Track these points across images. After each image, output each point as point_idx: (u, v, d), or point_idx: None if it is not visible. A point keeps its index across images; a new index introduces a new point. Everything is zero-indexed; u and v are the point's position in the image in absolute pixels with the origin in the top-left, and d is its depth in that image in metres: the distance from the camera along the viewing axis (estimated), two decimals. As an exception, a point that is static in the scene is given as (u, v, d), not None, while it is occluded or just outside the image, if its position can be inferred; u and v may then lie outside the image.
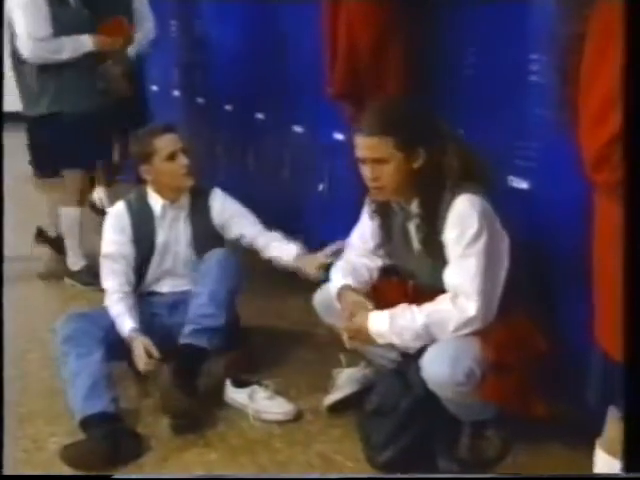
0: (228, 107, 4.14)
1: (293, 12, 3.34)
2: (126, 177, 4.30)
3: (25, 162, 4.38)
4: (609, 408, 1.59)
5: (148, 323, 2.67)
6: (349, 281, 2.29)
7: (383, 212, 2.30)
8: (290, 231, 2.91)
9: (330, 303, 2.33)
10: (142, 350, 2.52)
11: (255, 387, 2.59)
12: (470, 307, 2.03)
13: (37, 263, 3.97)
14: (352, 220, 2.48)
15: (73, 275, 3.85)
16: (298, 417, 2.55)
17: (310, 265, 2.64)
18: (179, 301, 2.80)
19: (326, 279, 2.44)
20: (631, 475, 1.44)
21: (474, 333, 2.04)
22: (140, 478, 2.31)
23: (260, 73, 3.75)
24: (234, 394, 2.62)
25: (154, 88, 4.86)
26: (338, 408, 2.55)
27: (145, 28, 3.96)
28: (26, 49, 3.50)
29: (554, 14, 2.00)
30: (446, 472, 2.18)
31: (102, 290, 2.75)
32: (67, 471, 2.26)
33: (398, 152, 2.08)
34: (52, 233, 4.00)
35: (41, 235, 4.03)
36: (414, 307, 2.09)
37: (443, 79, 2.55)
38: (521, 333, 2.09)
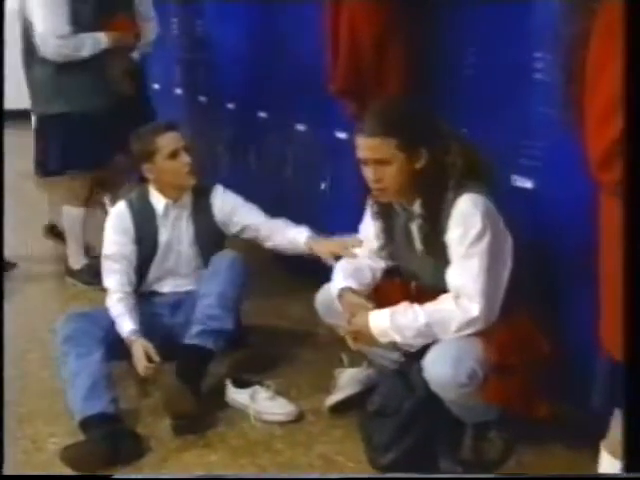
0: (230, 105, 4.14)
1: (295, 10, 3.33)
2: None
3: (25, 160, 4.37)
4: (614, 410, 1.58)
5: (149, 323, 2.66)
6: (350, 283, 2.27)
7: (385, 213, 2.28)
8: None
9: (331, 304, 2.32)
10: (142, 353, 2.51)
11: (256, 387, 2.58)
12: (473, 307, 2.01)
13: (37, 263, 3.97)
14: (355, 219, 2.47)
15: (74, 274, 3.84)
16: (299, 418, 2.53)
17: (323, 248, 2.59)
18: (181, 301, 2.80)
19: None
20: (631, 475, 1.43)
21: (476, 334, 2.03)
22: (140, 479, 2.30)
23: (262, 71, 3.74)
24: (235, 394, 2.60)
25: (156, 86, 4.85)
26: (340, 409, 2.53)
27: (148, 27, 3.94)
28: (48, 47, 3.46)
29: (558, 10, 1.98)
30: (449, 474, 2.17)
31: (103, 289, 2.74)
32: (67, 471, 2.25)
33: (400, 153, 2.07)
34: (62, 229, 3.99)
35: (52, 231, 4.02)
36: (416, 306, 2.08)
37: (446, 78, 2.55)
38: (524, 334, 2.07)
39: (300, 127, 3.52)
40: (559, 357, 2.07)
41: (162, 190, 2.78)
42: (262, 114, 3.83)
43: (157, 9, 4.01)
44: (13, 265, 3.88)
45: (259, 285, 3.24)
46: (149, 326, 2.63)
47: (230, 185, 2.95)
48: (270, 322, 3.28)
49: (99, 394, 2.37)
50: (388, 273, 2.39)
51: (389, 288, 2.35)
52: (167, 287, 2.85)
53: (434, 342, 2.06)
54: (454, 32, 2.50)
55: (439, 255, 2.11)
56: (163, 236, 2.79)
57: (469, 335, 2.03)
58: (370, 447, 2.26)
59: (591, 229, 1.59)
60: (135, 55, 3.76)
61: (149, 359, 2.51)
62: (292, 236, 2.74)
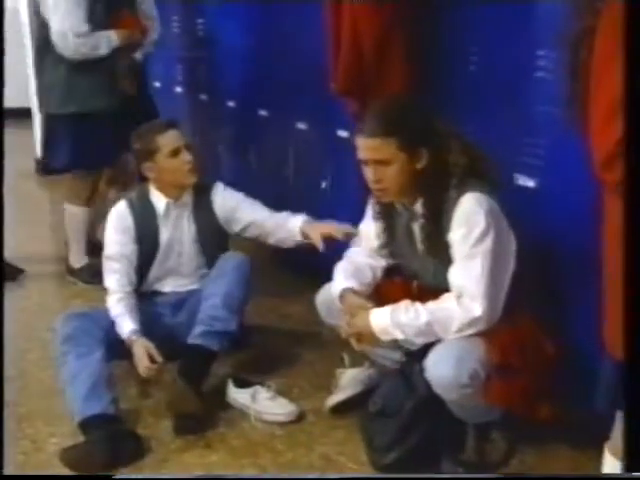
0: (231, 104, 4.12)
1: (297, 9, 3.31)
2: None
3: (26, 159, 4.36)
4: (618, 412, 1.57)
5: (150, 323, 2.65)
6: (351, 283, 2.26)
7: (387, 213, 2.27)
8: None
9: (332, 304, 2.31)
10: (143, 353, 2.49)
11: (257, 388, 2.57)
12: (475, 307, 2.00)
13: (37, 263, 3.95)
14: (355, 217, 2.46)
15: (74, 273, 3.83)
16: (300, 418, 2.52)
17: (315, 232, 2.60)
18: (182, 301, 2.78)
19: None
20: (631, 475, 1.42)
21: (479, 334, 2.02)
22: (140, 479, 2.28)
23: (263, 70, 3.73)
24: (236, 395, 2.59)
25: (157, 84, 4.84)
26: (341, 409, 2.52)
27: (151, 26, 3.92)
28: (67, 45, 3.43)
29: (560, 9, 1.97)
30: (451, 475, 2.16)
31: (103, 288, 2.73)
32: (67, 471, 2.24)
33: (401, 153, 2.05)
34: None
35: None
36: (418, 304, 2.07)
37: (449, 77, 2.54)
38: (527, 334, 2.06)
39: (301, 125, 3.51)
40: (562, 358, 2.05)
41: (163, 189, 2.76)
42: (263, 112, 3.82)
43: (158, 7, 4.00)
44: (21, 271, 3.85)
45: (260, 285, 3.22)
46: (150, 326, 2.62)
47: (230, 183, 2.94)
48: (271, 322, 3.27)
49: (99, 394, 2.36)
50: (389, 272, 2.38)
51: (390, 287, 2.34)
52: (168, 287, 2.84)
53: (436, 342, 2.05)
54: (456, 31, 2.50)
55: (441, 254, 2.10)
56: (164, 235, 2.78)
57: (471, 335, 2.01)
58: (371, 448, 2.25)
59: (594, 228, 1.58)
60: (138, 55, 3.74)
61: (151, 359, 2.49)
62: (290, 226, 2.73)
